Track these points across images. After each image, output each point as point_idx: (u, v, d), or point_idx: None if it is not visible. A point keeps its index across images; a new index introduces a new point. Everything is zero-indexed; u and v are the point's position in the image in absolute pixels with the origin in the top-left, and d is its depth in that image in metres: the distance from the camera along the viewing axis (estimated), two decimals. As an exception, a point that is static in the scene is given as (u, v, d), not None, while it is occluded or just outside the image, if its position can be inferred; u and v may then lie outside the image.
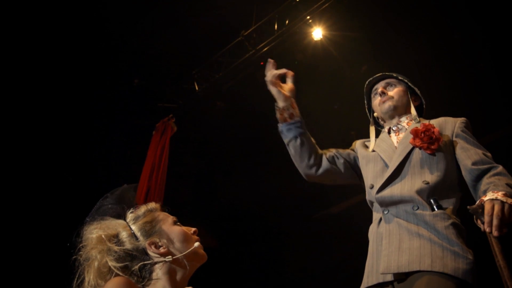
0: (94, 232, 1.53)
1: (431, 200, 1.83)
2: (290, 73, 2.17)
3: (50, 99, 4.70)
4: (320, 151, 2.20)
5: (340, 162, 2.20)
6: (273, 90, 2.12)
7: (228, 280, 5.53)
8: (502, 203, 1.61)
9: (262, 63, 4.94)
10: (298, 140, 2.13)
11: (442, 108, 4.45)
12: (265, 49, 4.77)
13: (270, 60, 2.15)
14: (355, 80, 4.86)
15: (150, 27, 4.72)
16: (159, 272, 1.50)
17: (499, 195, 1.63)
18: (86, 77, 4.76)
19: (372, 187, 2.02)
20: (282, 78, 2.19)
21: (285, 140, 2.17)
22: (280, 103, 2.13)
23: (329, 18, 4.60)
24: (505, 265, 1.50)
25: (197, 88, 5.29)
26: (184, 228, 1.61)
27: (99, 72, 4.80)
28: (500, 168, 1.83)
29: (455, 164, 1.96)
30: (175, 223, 1.61)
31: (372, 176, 2.05)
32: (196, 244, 1.56)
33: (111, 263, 1.48)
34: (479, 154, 1.90)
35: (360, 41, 4.70)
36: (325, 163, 2.17)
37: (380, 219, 1.94)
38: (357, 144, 2.28)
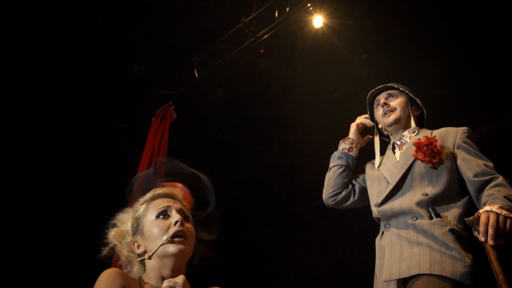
0: (112, 231, 1.64)
1: (429, 209, 1.90)
2: (369, 137, 2.51)
3: (49, 84, 4.68)
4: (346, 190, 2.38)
5: (356, 191, 2.37)
6: (354, 126, 2.48)
7: (225, 271, 5.55)
8: (497, 214, 1.68)
9: (262, 51, 4.92)
10: (341, 169, 2.37)
11: (443, 97, 4.46)
12: (266, 36, 4.74)
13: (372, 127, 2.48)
14: (356, 68, 4.85)
15: (150, 14, 4.69)
16: (147, 267, 1.54)
17: (494, 207, 1.71)
18: (86, 63, 4.75)
19: (376, 204, 2.09)
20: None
21: (331, 164, 2.43)
22: (351, 135, 2.46)
23: (329, 6, 4.56)
24: (500, 270, 1.61)
25: (196, 75, 5.27)
26: (167, 221, 1.56)
27: (99, 58, 4.78)
28: (500, 179, 1.89)
29: (457, 175, 2.01)
30: (159, 214, 1.57)
31: (376, 195, 2.13)
32: (164, 238, 1.50)
33: (126, 254, 1.60)
34: (480, 166, 1.95)
35: (361, 29, 4.67)
36: (342, 200, 2.37)
37: (383, 233, 2.02)
38: (366, 166, 2.38)
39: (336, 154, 2.44)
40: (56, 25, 4.40)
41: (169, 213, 1.57)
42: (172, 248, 1.48)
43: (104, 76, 4.96)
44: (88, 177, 5.00)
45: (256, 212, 5.98)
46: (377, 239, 2.07)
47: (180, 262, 1.52)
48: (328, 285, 5.45)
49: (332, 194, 2.35)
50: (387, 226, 1.99)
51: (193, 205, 1.72)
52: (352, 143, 2.42)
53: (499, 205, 1.72)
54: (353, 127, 2.48)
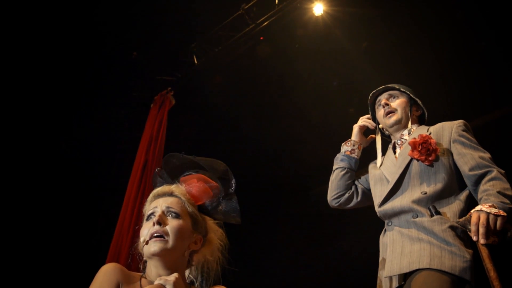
0: None
1: (430, 207, 1.93)
2: (372, 137, 2.54)
3: (47, 71, 4.67)
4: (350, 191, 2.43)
5: (359, 193, 2.42)
6: (356, 128, 2.52)
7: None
8: (487, 213, 1.72)
9: (262, 38, 4.90)
10: (343, 172, 2.42)
11: (443, 84, 4.46)
12: (266, 23, 4.72)
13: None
14: (355, 57, 4.83)
15: (149, 0, 4.66)
16: (147, 265, 1.57)
17: (484, 206, 1.75)
18: (85, 50, 4.72)
19: (378, 204, 2.14)
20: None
21: (334, 166, 2.48)
22: (353, 138, 2.50)
23: (330, -7, 4.55)
24: (491, 268, 1.67)
25: (196, 62, 5.26)
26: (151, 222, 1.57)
27: (98, 45, 4.75)
28: (494, 172, 1.92)
29: (455, 170, 2.04)
30: (148, 217, 1.60)
31: (379, 195, 2.17)
32: (141, 240, 1.53)
33: None
34: (475, 159, 1.97)
35: (361, 17, 4.66)
36: (346, 201, 2.42)
37: (385, 230, 2.07)
38: (369, 167, 2.41)
39: (338, 156, 2.48)
40: (55, 12, 4.37)
41: (155, 213, 1.58)
42: (150, 249, 1.49)
43: (103, 62, 4.94)
44: (86, 163, 5.00)
45: (254, 199, 5.99)
46: (380, 237, 2.12)
47: (168, 260, 1.51)
48: (328, 277, 5.48)
49: (335, 196, 2.41)
50: (390, 224, 2.04)
51: (214, 195, 1.73)
52: (354, 145, 2.47)
53: (489, 204, 1.76)
54: (355, 128, 2.52)
